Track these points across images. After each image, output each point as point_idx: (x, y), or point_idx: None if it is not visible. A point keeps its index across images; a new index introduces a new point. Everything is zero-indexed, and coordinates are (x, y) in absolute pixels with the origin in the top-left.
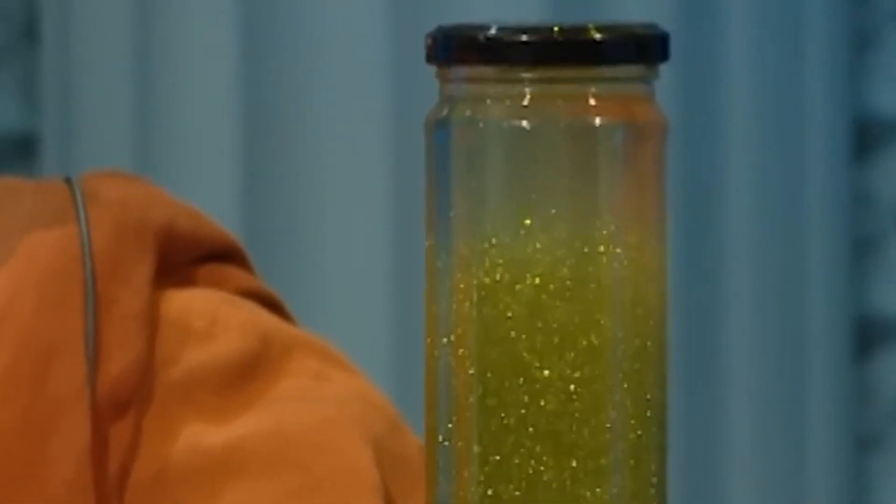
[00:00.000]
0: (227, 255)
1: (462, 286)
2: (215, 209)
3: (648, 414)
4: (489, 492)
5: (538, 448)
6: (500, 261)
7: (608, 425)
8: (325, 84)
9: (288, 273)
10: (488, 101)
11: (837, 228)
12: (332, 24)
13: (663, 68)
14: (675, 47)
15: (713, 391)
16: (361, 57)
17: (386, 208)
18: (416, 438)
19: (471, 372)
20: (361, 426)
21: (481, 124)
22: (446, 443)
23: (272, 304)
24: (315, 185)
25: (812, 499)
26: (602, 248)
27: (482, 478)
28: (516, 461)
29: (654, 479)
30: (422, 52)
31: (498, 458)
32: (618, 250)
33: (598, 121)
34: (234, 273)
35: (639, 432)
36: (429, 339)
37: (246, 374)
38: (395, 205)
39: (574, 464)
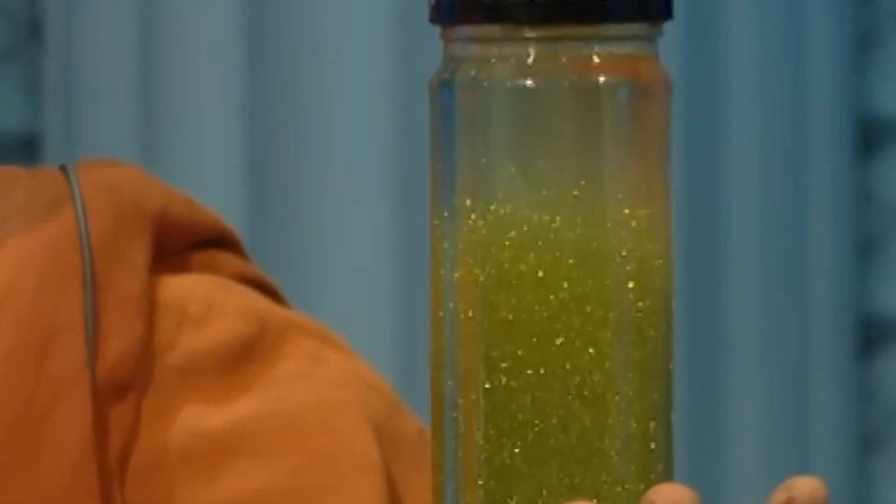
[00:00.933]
0: (221, 240)
1: (467, 247)
2: (219, 206)
3: (655, 382)
4: (494, 459)
5: (542, 417)
6: (506, 222)
7: (617, 395)
8: (325, 77)
9: (291, 265)
10: (492, 61)
11: (841, 228)
12: (336, 18)
13: (668, 67)
14: (677, 48)
15: (716, 391)
16: (362, 53)
17: (392, 196)
18: (415, 419)
19: (477, 337)
20: (360, 406)
21: (486, 84)
22: (453, 413)
23: (266, 289)
24: (317, 181)
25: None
26: (608, 208)
27: (487, 443)
28: (521, 429)
29: (655, 444)
30: (426, 21)
31: (504, 423)
32: (624, 210)
33: (602, 79)
34: (228, 259)
35: (646, 396)
36: (434, 303)
37: (244, 357)
38: (402, 191)
39: (579, 434)
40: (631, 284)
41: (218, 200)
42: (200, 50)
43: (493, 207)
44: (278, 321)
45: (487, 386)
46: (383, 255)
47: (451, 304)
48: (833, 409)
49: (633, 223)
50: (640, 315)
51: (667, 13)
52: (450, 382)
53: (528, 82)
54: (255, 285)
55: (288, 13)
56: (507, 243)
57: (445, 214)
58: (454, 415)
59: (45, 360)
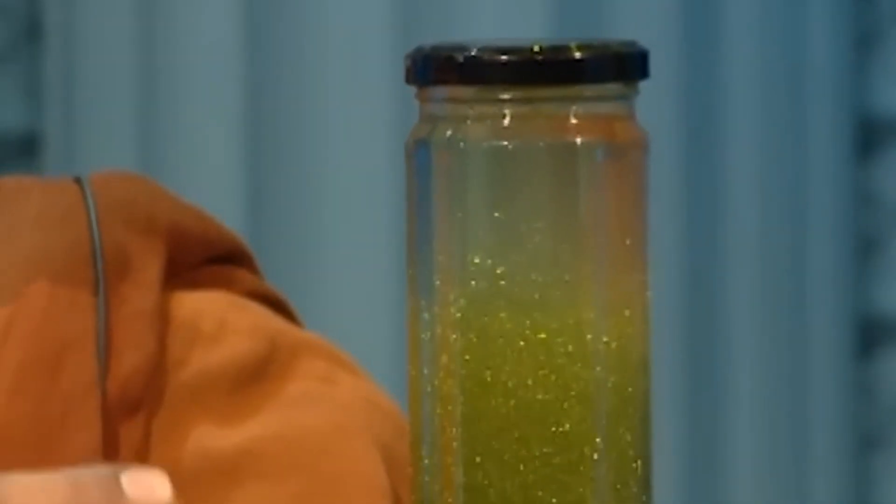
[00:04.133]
0: (234, 256)
1: (443, 310)
2: (218, 208)
3: (633, 464)
4: None
5: (519, 488)
6: (482, 284)
7: (591, 471)
8: (328, 85)
9: (290, 274)
10: (468, 122)
11: (841, 228)
12: (337, 26)
13: (668, 67)
14: (678, 45)
15: (716, 390)
16: (365, 59)
17: (390, 211)
18: None
19: (453, 397)
20: (370, 430)
21: (462, 145)
22: (428, 476)
23: (279, 306)
24: (319, 186)
25: (815, 498)
26: (584, 270)
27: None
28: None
29: None
30: (428, 26)
31: (482, 483)
32: (600, 272)
33: (578, 140)
34: (241, 275)
35: (619, 485)
36: (412, 367)
37: (255, 377)
38: (399, 207)
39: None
40: (609, 363)
41: (216, 201)
42: (200, 50)
43: (468, 268)
44: (290, 341)
45: (463, 456)
46: (384, 262)
47: (426, 369)
48: (833, 409)
49: (610, 284)
50: (619, 391)
51: (643, 72)
52: (428, 443)
53: (505, 143)
54: (268, 302)
55: (289, 14)
56: (481, 305)
57: (422, 272)
58: (430, 478)
59: (56, 375)
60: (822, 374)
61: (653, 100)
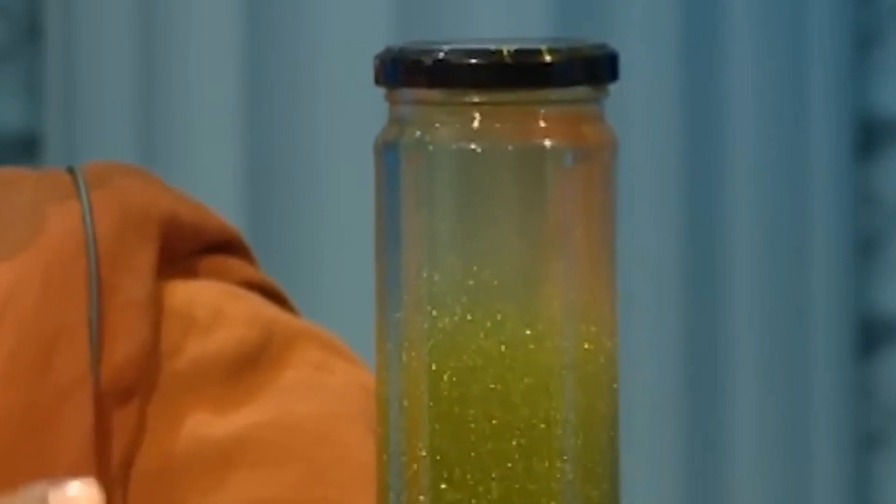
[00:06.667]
0: (230, 246)
1: (410, 313)
2: (218, 205)
3: (601, 471)
4: None
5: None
6: (450, 286)
7: (561, 480)
8: (327, 81)
9: (290, 267)
10: (437, 125)
11: (841, 227)
12: (336, 26)
13: (668, 68)
14: (678, 46)
15: (716, 390)
16: (364, 59)
17: None
18: None
19: (420, 405)
20: (364, 417)
21: (430, 147)
22: (399, 469)
23: (274, 295)
24: (318, 181)
25: (815, 498)
26: (552, 272)
27: None
28: None
29: None
30: (426, 22)
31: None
32: (568, 274)
33: (547, 143)
34: (236, 264)
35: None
36: (379, 362)
37: (249, 365)
38: None
39: None
40: (576, 365)
41: (217, 200)
42: (200, 50)
43: (435, 272)
44: (285, 329)
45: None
46: None
47: (396, 355)
48: (833, 409)
49: (581, 293)
50: (587, 391)
51: (612, 75)
52: (395, 455)
53: (473, 146)
54: (263, 291)
55: (289, 13)
56: (449, 307)
57: (390, 273)
58: (400, 477)
59: (49, 363)
60: (822, 374)
61: (652, 100)
